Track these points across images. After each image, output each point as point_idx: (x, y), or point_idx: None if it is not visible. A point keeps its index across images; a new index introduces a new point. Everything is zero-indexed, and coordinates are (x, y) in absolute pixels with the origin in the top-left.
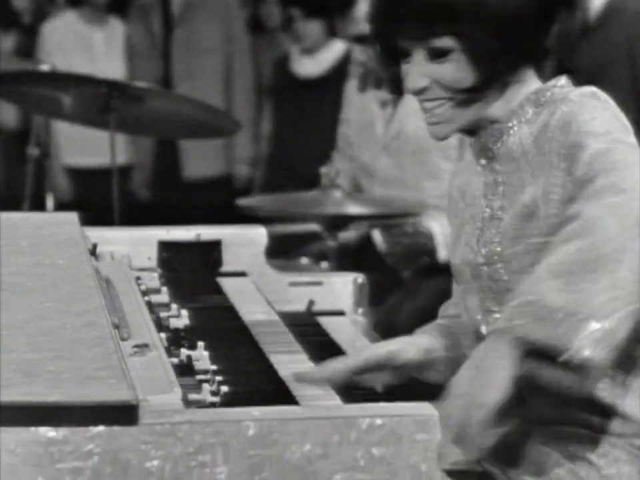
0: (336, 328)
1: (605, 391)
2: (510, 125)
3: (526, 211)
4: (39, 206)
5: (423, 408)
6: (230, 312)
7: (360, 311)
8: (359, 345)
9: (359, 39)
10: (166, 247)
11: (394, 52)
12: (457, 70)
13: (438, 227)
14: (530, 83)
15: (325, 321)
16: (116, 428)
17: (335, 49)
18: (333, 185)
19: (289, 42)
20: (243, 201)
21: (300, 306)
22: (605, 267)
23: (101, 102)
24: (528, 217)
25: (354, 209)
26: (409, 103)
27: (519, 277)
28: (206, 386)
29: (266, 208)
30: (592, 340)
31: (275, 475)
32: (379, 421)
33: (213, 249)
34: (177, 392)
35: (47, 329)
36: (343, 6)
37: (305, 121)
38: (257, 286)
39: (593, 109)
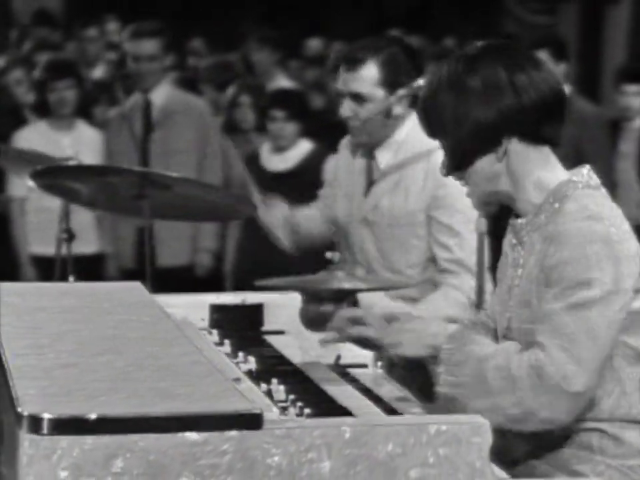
0: (361, 376)
1: (605, 423)
2: (537, 222)
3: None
4: None
5: (477, 418)
6: (282, 358)
7: (379, 364)
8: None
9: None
10: (217, 310)
11: None
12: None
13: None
14: (542, 164)
15: (351, 371)
16: (245, 432)
17: (303, 148)
18: (337, 267)
19: (260, 140)
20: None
21: (329, 359)
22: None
23: (134, 191)
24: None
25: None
26: (384, 182)
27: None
28: (291, 409)
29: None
30: None
31: (366, 469)
32: (444, 427)
33: (256, 311)
34: (275, 411)
35: (161, 365)
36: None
37: None
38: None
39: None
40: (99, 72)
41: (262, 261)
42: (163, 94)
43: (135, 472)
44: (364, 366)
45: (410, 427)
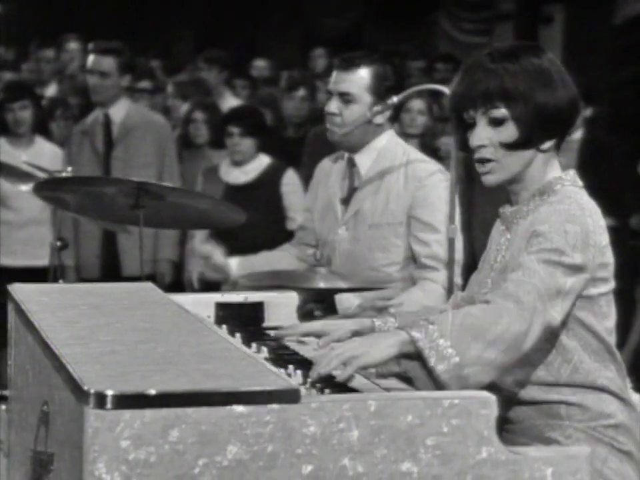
0: None
1: (568, 395)
2: (526, 209)
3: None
4: None
5: (484, 394)
6: (289, 349)
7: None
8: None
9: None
10: (221, 307)
11: (463, 123)
12: (507, 131)
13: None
14: (553, 165)
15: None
16: (285, 405)
17: (262, 162)
18: (317, 264)
19: (216, 155)
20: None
21: None
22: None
23: (130, 200)
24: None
25: (339, 284)
26: (365, 186)
27: None
28: (313, 390)
29: (264, 283)
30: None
31: (389, 437)
32: (456, 401)
33: (257, 308)
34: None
35: (197, 351)
36: None
37: None
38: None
39: (569, 218)
40: (52, 89)
41: None
42: (122, 110)
43: (189, 441)
44: None
45: (427, 400)
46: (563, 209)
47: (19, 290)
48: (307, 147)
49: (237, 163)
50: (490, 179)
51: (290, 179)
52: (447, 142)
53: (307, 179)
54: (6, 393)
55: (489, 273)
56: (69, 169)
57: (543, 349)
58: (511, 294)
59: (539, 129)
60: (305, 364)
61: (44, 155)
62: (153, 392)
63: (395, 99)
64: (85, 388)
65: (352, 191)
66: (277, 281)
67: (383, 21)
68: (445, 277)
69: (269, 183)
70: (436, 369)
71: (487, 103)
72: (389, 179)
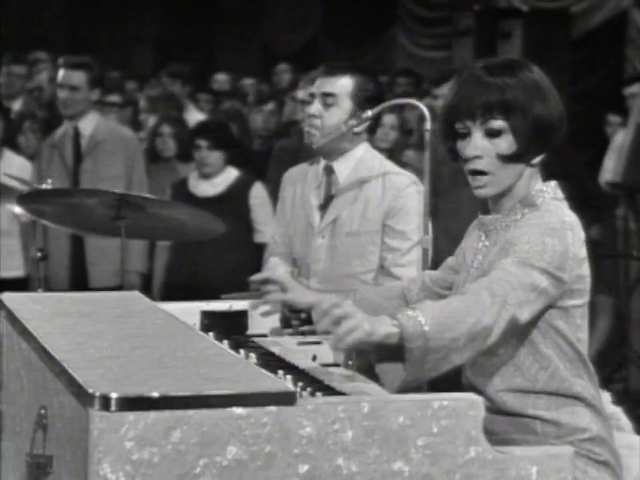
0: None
1: (543, 411)
2: (505, 225)
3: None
4: None
5: (472, 396)
6: (274, 356)
7: (350, 363)
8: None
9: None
10: (207, 316)
11: (454, 133)
12: (503, 143)
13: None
14: (537, 177)
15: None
16: (282, 407)
17: (230, 174)
18: (297, 280)
19: (184, 169)
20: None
21: (306, 360)
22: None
23: (112, 211)
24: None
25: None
26: (343, 194)
27: None
28: (304, 392)
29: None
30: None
31: (381, 438)
32: (445, 403)
33: (242, 316)
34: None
35: (192, 356)
36: None
37: None
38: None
39: (548, 232)
40: (18, 103)
41: (189, 281)
42: (91, 124)
43: (191, 441)
44: (337, 365)
45: (417, 402)
46: (543, 222)
47: (10, 299)
48: (273, 159)
49: (206, 176)
50: (483, 192)
51: (258, 192)
52: (411, 155)
53: (273, 191)
54: None
55: (467, 277)
56: (49, 180)
57: (520, 357)
58: (486, 286)
59: (535, 141)
60: (292, 370)
61: (12, 167)
62: (156, 394)
63: (369, 113)
64: (90, 391)
65: (329, 198)
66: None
67: (341, 36)
68: None
69: (237, 195)
70: (409, 347)
71: (486, 114)
72: (366, 188)
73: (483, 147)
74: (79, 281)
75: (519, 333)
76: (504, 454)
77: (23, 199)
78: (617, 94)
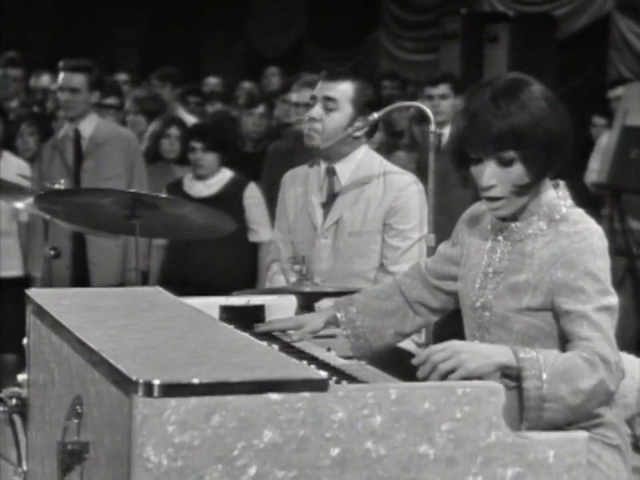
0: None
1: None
2: (530, 232)
3: (515, 287)
4: None
5: (493, 384)
6: (294, 347)
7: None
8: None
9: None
10: (225, 310)
11: (465, 159)
12: (517, 172)
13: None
14: (546, 188)
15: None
16: (315, 393)
17: (224, 176)
18: (303, 279)
19: (180, 170)
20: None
21: (322, 351)
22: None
23: (127, 210)
24: (515, 290)
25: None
26: (345, 196)
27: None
28: (330, 381)
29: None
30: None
31: (408, 422)
32: (468, 389)
33: (259, 311)
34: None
35: (224, 346)
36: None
37: None
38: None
39: (597, 253)
40: (12, 105)
41: (185, 280)
42: (91, 125)
43: (230, 425)
44: (351, 358)
45: (442, 389)
46: (588, 246)
47: (38, 294)
48: (267, 161)
49: (200, 177)
50: (500, 214)
51: (252, 192)
52: (402, 156)
53: (266, 192)
54: (0, 395)
55: (477, 273)
56: (62, 181)
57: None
58: (598, 353)
59: (547, 164)
60: (314, 360)
61: (11, 169)
62: (196, 381)
63: (375, 115)
64: (134, 378)
65: (331, 199)
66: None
67: (325, 39)
68: None
69: (231, 196)
70: (525, 386)
71: (497, 145)
72: (367, 189)
73: (496, 176)
74: (81, 280)
75: (548, 339)
76: (523, 438)
77: (39, 198)
78: (600, 96)
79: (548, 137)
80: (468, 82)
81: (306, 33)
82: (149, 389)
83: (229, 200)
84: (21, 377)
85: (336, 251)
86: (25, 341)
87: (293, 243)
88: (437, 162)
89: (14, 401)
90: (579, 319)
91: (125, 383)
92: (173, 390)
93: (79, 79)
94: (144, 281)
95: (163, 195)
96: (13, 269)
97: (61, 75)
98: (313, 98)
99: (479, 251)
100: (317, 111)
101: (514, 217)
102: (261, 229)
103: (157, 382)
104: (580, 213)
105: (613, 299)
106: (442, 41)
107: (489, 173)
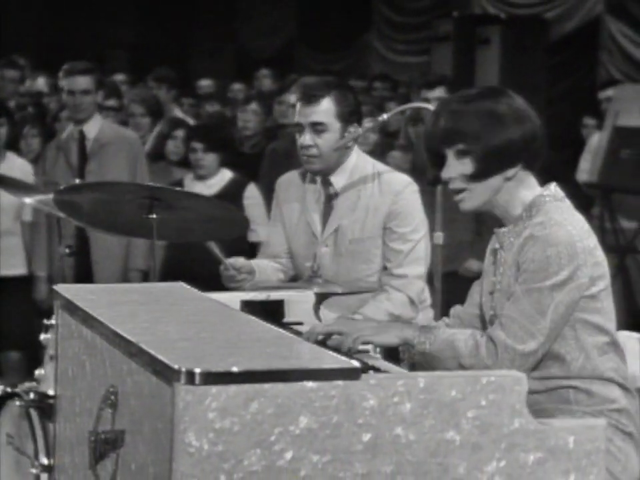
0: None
1: (577, 382)
2: (517, 229)
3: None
4: None
5: (517, 373)
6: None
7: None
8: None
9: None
10: (246, 304)
11: (437, 160)
12: (467, 164)
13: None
14: (528, 185)
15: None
16: (348, 381)
17: (224, 176)
18: (314, 275)
19: (180, 172)
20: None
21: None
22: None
23: (145, 207)
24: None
25: (335, 289)
26: (342, 203)
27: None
28: None
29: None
30: None
31: (435, 409)
32: (492, 379)
33: (278, 305)
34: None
35: (255, 338)
36: None
37: None
38: None
39: (551, 242)
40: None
41: (185, 279)
42: (95, 126)
43: (267, 412)
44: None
45: (468, 378)
46: (543, 236)
47: (66, 290)
48: (265, 162)
49: (201, 177)
50: (464, 206)
51: (251, 193)
52: (397, 156)
53: (265, 192)
54: (17, 390)
55: (492, 289)
56: (77, 180)
57: (553, 351)
58: (498, 335)
59: (492, 162)
60: (337, 351)
61: (15, 169)
62: (236, 369)
63: (384, 116)
64: (176, 367)
65: (329, 209)
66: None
67: (315, 41)
68: (416, 285)
69: (231, 196)
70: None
71: (449, 140)
72: (364, 194)
73: (453, 169)
74: (84, 279)
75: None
76: (544, 425)
77: (59, 194)
78: (591, 97)
79: (492, 141)
80: (460, 84)
81: (297, 35)
82: (191, 377)
83: (229, 200)
84: (38, 372)
85: (338, 257)
86: (42, 336)
87: (292, 253)
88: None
89: (31, 395)
90: (511, 298)
91: (166, 372)
92: (214, 378)
93: (87, 81)
94: (145, 281)
95: (180, 189)
96: (16, 268)
97: (68, 79)
98: (299, 124)
99: (491, 269)
100: (307, 138)
101: (505, 220)
102: (260, 229)
103: (198, 370)
104: (557, 205)
105: (550, 281)
106: (434, 43)
107: (447, 167)
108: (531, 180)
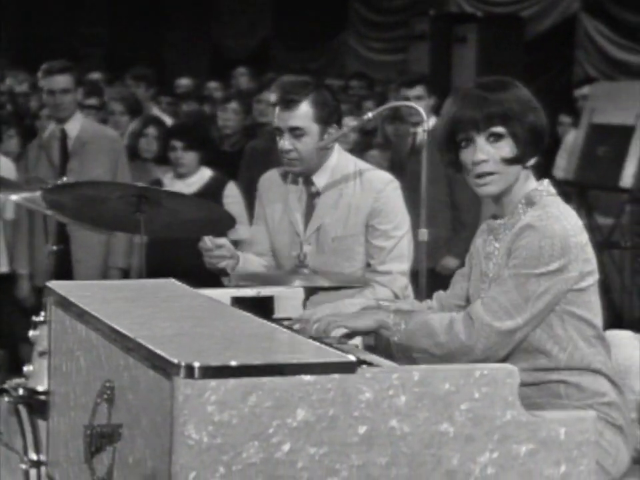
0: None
1: (567, 376)
2: (512, 221)
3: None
4: None
5: (509, 366)
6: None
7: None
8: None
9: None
10: (237, 301)
11: (454, 144)
12: (504, 148)
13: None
14: (530, 177)
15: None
16: (344, 375)
17: (204, 174)
18: (301, 265)
19: (158, 170)
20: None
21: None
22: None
23: (132, 205)
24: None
25: (321, 282)
26: (324, 202)
27: None
28: None
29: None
30: None
31: (430, 402)
32: (485, 372)
33: (268, 302)
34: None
35: (250, 333)
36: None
37: None
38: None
39: (547, 234)
40: None
41: (165, 276)
42: (77, 124)
43: (265, 405)
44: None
45: (461, 371)
46: (539, 227)
47: (59, 287)
48: (245, 160)
49: (180, 176)
50: (488, 190)
51: (231, 191)
52: (375, 154)
53: (245, 191)
54: (5, 386)
55: (481, 281)
56: (64, 179)
57: (541, 342)
58: (477, 311)
59: (531, 145)
60: (328, 346)
61: (5, 170)
62: (234, 363)
63: (369, 115)
64: (176, 361)
65: (311, 208)
66: (256, 282)
67: (291, 39)
68: (399, 280)
69: (211, 194)
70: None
71: (488, 123)
72: (345, 193)
73: (487, 151)
74: (64, 277)
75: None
76: (536, 417)
77: (47, 193)
78: (567, 95)
79: (534, 123)
80: (437, 82)
81: (272, 34)
82: (190, 371)
83: (209, 198)
84: (26, 368)
85: (320, 255)
86: (31, 333)
87: (275, 252)
88: (412, 163)
89: (20, 392)
90: (497, 280)
91: (165, 366)
92: (213, 372)
93: (66, 80)
94: (125, 279)
95: (168, 189)
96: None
97: (47, 79)
98: (278, 129)
99: (483, 259)
100: (286, 142)
101: (501, 212)
102: (240, 227)
103: (197, 364)
104: (553, 200)
105: (539, 269)
106: (411, 42)
107: (480, 149)
108: (532, 174)
